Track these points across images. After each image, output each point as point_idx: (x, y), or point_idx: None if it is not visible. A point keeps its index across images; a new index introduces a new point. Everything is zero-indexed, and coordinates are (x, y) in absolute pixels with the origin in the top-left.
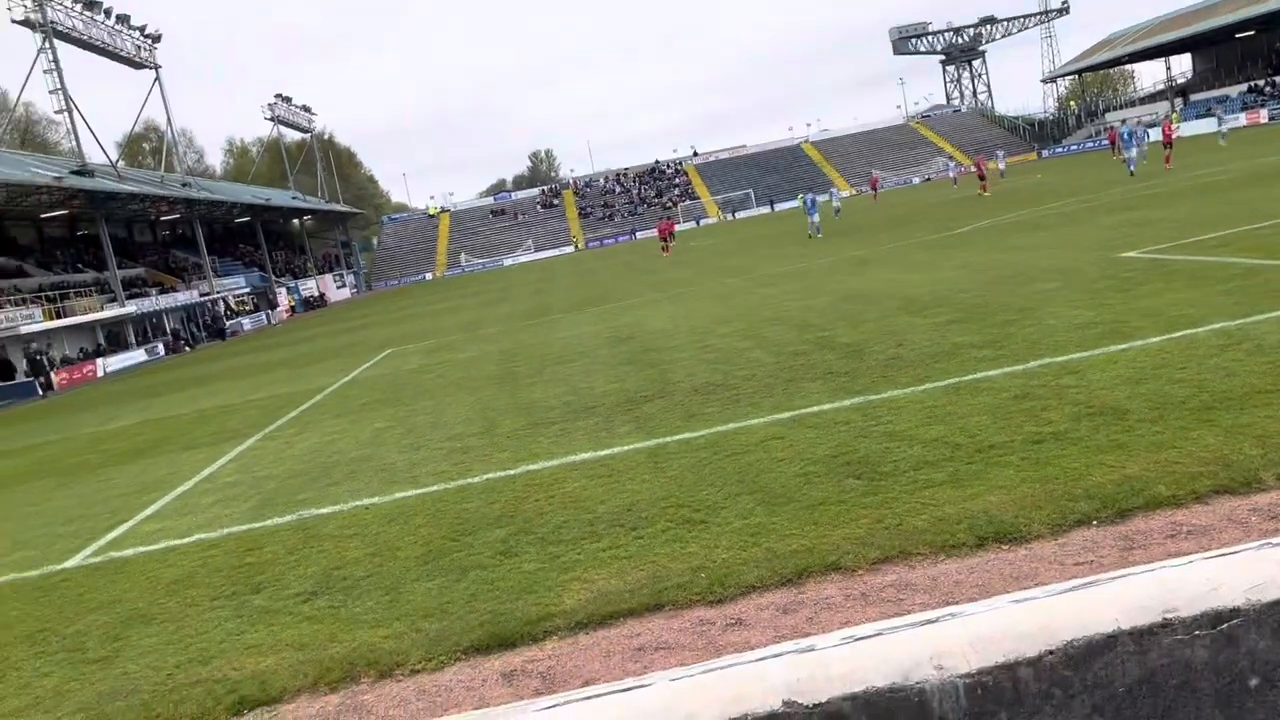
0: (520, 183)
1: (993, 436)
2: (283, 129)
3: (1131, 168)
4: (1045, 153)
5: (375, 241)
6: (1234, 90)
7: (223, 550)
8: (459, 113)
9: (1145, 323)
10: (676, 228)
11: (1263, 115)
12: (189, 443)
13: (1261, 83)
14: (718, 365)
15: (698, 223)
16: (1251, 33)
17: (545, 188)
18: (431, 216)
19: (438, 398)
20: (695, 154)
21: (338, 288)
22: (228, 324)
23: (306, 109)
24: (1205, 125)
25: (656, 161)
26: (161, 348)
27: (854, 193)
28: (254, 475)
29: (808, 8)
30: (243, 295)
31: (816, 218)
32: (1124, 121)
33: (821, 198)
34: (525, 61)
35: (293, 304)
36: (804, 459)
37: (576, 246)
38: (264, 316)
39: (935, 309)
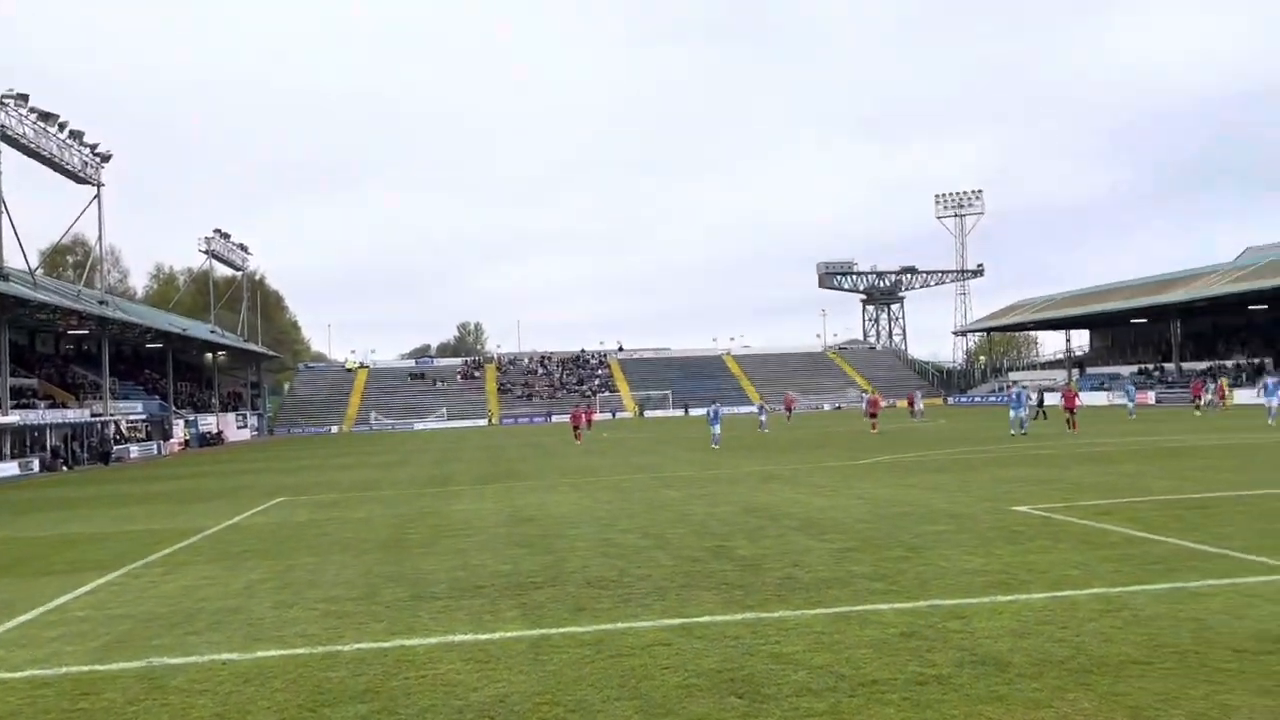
0: (444, 350)
1: (877, 672)
2: (215, 263)
3: (1016, 429)
4: (951, 400)
5: (287, 387)
6: (1126, 369)
7: (56, 691)
8: (395, 273)
9: (1032, 578)
10: (595, 416)
11: (1150, 397)
12: (44, 568)
13: (1151, 366)
14: (615, 560)
15: (613, 415)
16: (1145, 320)
17: (469, 359)
18: (349, 370)
19: (321, 555)
20: (620, 349)
21: (239, 428)
22: (114, 449)
23: (243, 247)
24: (1098, 397)
25: (582, 350)
26: (37, 464)
27: (770, 410)
28: (108, 613)
29: (747, 232)
30: (137, 421)
31: (719, 429)
32: (1014, 384)
33: (726, 410)
34: (469, 234)
35: (187, 438)
36: (689, 669)
37: (490, 421)
38: (155, 446)
39: (833, 534)
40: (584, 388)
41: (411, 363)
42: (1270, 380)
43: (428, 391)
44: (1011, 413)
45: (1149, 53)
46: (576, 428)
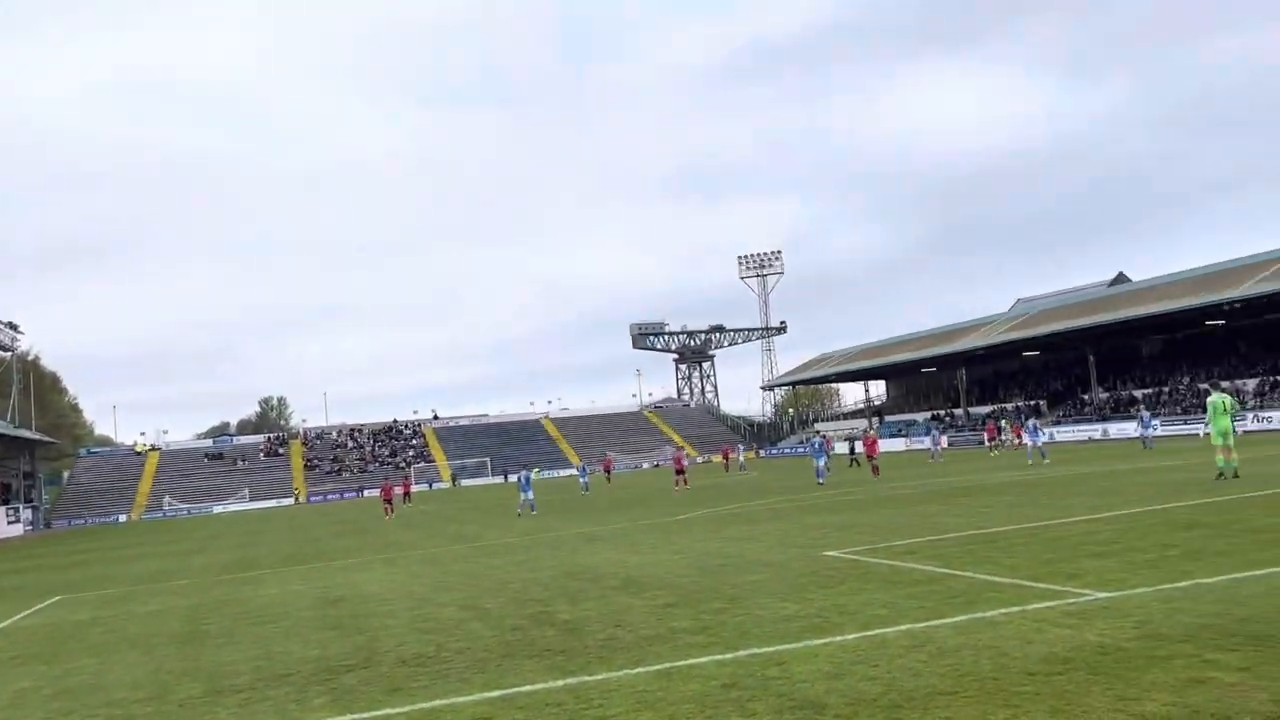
0: (245, 428)
1: None
2: None
3: (820, 478)
4: (763, 452)
5: (66, 475)
6: (920, 415)
7: None
8: (191, 348)
9: (843, 619)
10: (412, 488)
11: (943, 441)
12: None
13: (942, 412)
14: (431, 635)
15: (429, 486)
16: (934, 369)
17: (272, 435)
18: (139, 454)
19: (105, 656)
20: (435, 417)
21: (9, 522)
22: None
23: (12, 326)
24: (896, 444)
25: (394, 421)
26: None
27: (591, 471)
28: None
29: (562, 296)
30: None
31: (530, 494)
32: (817, 433)
33: (535, 474)
34: (272, 305)
35: None
36: None
37: (298, 499)
38: None
39: (654, 590)
40: (398, 459)
41: (209, 442)
42: (1032, 423)
43: (228, 471)
44: (815, 462)
45: (925, 123)
46: (388, 501)
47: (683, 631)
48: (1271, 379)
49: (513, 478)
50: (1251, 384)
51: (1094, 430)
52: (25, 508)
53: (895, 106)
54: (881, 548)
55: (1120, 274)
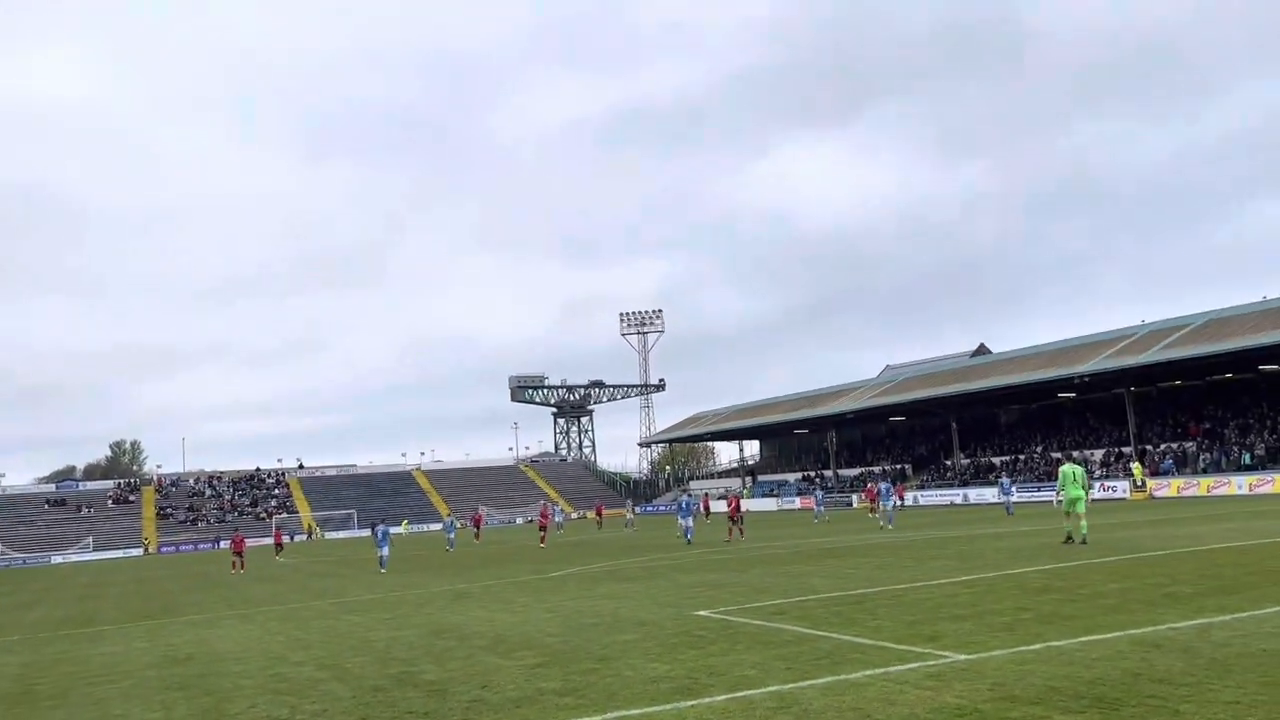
0: (94, 472)
1: None
2: None
3: (688, 536)
4: (639, 509)
5: None
6: (791, 476)
7: None
8: (34, 386)
9: (713, 680)
10: (283, 539)
11: (813, 501)
12: None
13: (813, 473)
14: (286, 697)
15: (291, 537)
16: (806, 431)
17: (123, 481)
18: None
19: None
20: (301, 466)
21: None
22: None
23: None
24: (768, 503)
25: (258, 469)
26: None
27: (461, 525)
28: None
29: (439, 348)
30: None
31: (386, 550)
32: (684, 492)
33: (395, 529)
34: (128, 343)
35: None
36: None
37: (147, 549)
38: None
39: (523, 651)
40: (259, 509)
41: (52, 487)
42: (884, 486)
43: (71, 519)
44: (679, 521)
45: (800, 192)
46: (238, 554)
47: (551, 693)
48: (1116, 450)
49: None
50: (1098, 454)
51: (955, 495)
52: None
53: (771, 175)
54: (751, 607)
55: (982, 345)
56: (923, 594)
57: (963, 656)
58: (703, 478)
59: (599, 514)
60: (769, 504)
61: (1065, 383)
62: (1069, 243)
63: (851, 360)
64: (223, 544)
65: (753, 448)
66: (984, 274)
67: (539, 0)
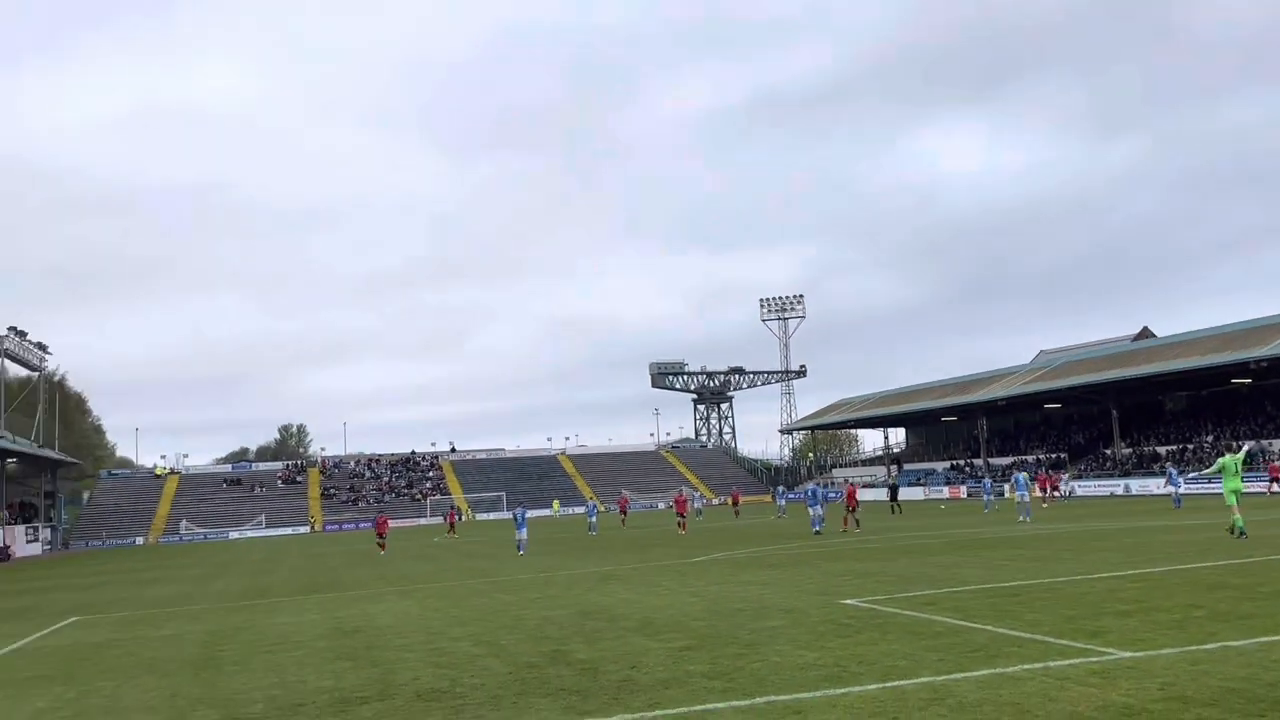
0: (264, 454)
1: None
2: (8, 363)
3: (816, 526)
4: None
5: (86, 496)
6: (940, 465)
7: None
8: (212, 374)
9: (862, 669)
10: (456, 519)
11: (962, 491)
12: None
13: (962, 462)
14: (446, 670)
15: (460, 517)
16: (954, 419)
17: (290, 463)
18: (158, 477)
19: (120, 678)
20: (453, 450)
21: (28, 541)
22: None
23: (41, 346)
24: (915, 492)
25: (413, 452)
26: None
27: (603, 509)
28: None
29: (582, 335)
30: None
31: (524, 534)
32: (815, 482)
33: (545, 511)
34: (293, 334)
35: None
36: None
37: (313, 527)
38: None
39: (670, 633)
40: (414, 490)
41: (228, 468)
42: (1020, 477)
43: (245, 498)
44: (810, 510)
45: (944, 173)
46: (381, 535)
47: (699, 676)
48: None
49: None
50: (1279, 444)
51: (1116, 486)
52: (45, 527)
53: (912, 156)
54: (901, 597)
55: (1145, 329)
56: (1083, 587)
57: (1129, 654)
58: (846, 465)
59: (735, 501)
60: (916, 493)
61: (1240, 367)
62: (1238, 220)
63: (1000, 347)
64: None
65: (898, 435)
66: (1142, 255)
67: None
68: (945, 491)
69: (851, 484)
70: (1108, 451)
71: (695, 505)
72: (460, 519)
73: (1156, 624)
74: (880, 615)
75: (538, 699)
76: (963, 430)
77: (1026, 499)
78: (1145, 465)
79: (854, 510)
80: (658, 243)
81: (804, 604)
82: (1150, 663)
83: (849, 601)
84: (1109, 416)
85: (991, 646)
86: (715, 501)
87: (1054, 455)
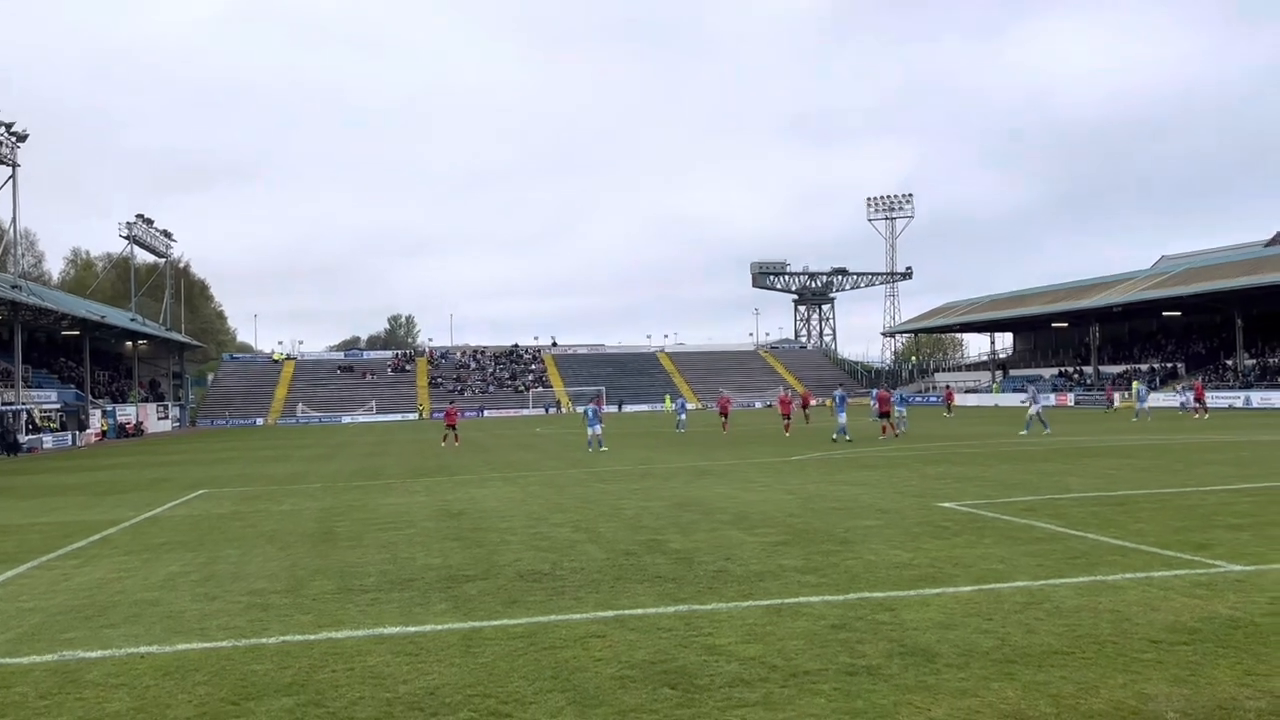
0: (375, 343)
1: (808, 663)
2: (137, 249)
3: (838, 434)
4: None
5: (210, 378)
6: (1047, 372)
7: None
8: (325, 264)
9: (958, 571)
10: (603, 406)
11: (1069, 399)
12: None
13: (1070, 369)
14: (547, 554)
15: (546, 410)
16: (1065, 325)
17: (400, 352)
18: (276, 362)
19: (245, 548)
20: (555, 344)
21: (159, 418)
22: (26, 439)
23: (167, 234)
24: (1017, 398)
25: (516, 345)
26: None
27: (700, 406)
28: (19, 605)
29: (682, 232)
30: (51, 411)
31: (599, 429)
32: (840, 386)
33: (606, 409)
34: (401, 226)
35: (105, 428)
36: (622, 661)
37: (421, 415)
38: (69, 437)
39: (764, 528)
40: (516, 383)
41: (340, 355)
42: (1140, 387)
43: (357, 384)
44: (837, 417)
45: (1060, 67)
46: (451, 427)
47: (793, 570)
48: None
49: (627, 408)
50: None
51: (1236, 398)
52: (173, 405)
53: (1026, 49)
54: (1000, 503)
55: (1279, 233)
56: (1193, 500)
57: (1237, 567)
58: (949, 370)
59: (805, 406)
60: (1018, 399)
61: None
62: None
63: (1117, 253)
64: (487, 413)
65: (1004, 341)
66: (1276, 157)
67: None
68: (1052, 399)
69: (883, 389)
70: (1229, 362)
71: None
72: (550, 410)
73: (1269, 539)
74: (978, 519)
75: (634, 584)
76: (1073, 337)
77: (1145, 407)
78: (1270, 377)
79: (889, 416)
80: (757, 140)
81: (900, 505)
82: (1260, 577)
83: (946, 505)
84: (1232, 325)
85: (1092, 554)
86: (814, 403)
87: (1170, 365)
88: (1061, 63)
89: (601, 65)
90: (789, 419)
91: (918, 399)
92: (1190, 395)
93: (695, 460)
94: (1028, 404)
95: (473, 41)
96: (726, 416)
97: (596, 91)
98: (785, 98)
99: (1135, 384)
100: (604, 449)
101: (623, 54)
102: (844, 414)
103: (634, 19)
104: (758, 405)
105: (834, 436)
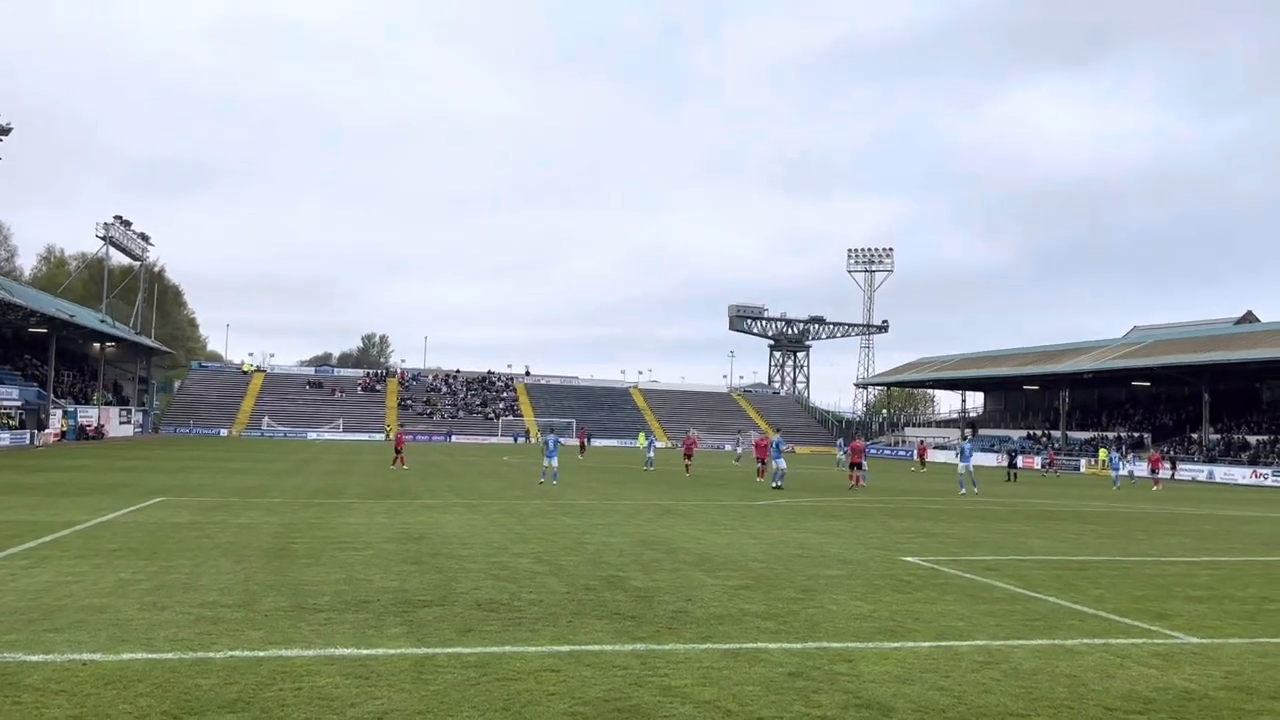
0: (347, 360)
1: (763, 710)
2: (112, 251)
3: (777, 481)
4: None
5: (177, 385)
6: (1016, 433)
7: None
8: (302, 278)
9: (918, 626)
10: (587, 440)
11: (1036, 462)
12: None
13: (1039, 432)
14: (506, 584)
15: (515, 440)
16: (1036, 387)
17: (371, 371)
18: (245, 373)
19: (199, 558)
20: (528, 373)
21: (121, 423)
22: None
23: (144, 237)
24: (987, 458)
25: (489, 372)
26: None
27: (669, 445)
28: None
29: (659, 271)
30: (10, 408)
31: (555, 462)
32: (778, 432)
33: (564, 440)
34: (380, 245)
35: (65, 429)
36: (575, 698)
37: (388, 435)
38: (28, 435)
39: (727, 571)
40: (487, 410)
41: (311, 370)
42: (1113, 454)
43: (326, 401)
44: (773, 463)
45: (1028, 138)
46: (398, 451)
47: (753, 615)
48: None
49: (596, 441)
50: None
51: (1199, 471)
52: (137, 411)
53: (1007, 116)
54: (963, 560)
55: (1249, 313)
56: (1153, 569)
57: (1195, 639)
58: (919, 425)
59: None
60: (988, 459)
61: None
62: None
63: (1088, 319)
64: (455, 438)
65: (976, 399)
66: (1248, 235)
67: None
68: (1020, 461)
69: (858, 439)
70: (1194, 436)
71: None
72: (519, 440)
73: (1228, 613)
74: (940, 575)
75: (593, 620)
76: (1044, 400)
77: (1121, 472)
78: (1234, 453)
79: (861, 467)
80: (739, 183)
81: (863, 556)
82: (1217, 650)
83: (910, 559)
84: (1199, 400)
85: (1052, 617)
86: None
87: (1136, 435)
88: (1040, 126)
89: (587, 97)
90: (690, 459)
91: (886, 451)
92: (1145, 466)
93: (661, 499)
94: (956, 459)
95: (461, 64)
96: (690, 458)
97: (581, 122)
98: (771, 143)
99: (1103, 451)
100: (555, 482)
101: (610, 87)
102: (782, 459)
103: (623, 53)
104: (727, 448)
105: (775, 484)
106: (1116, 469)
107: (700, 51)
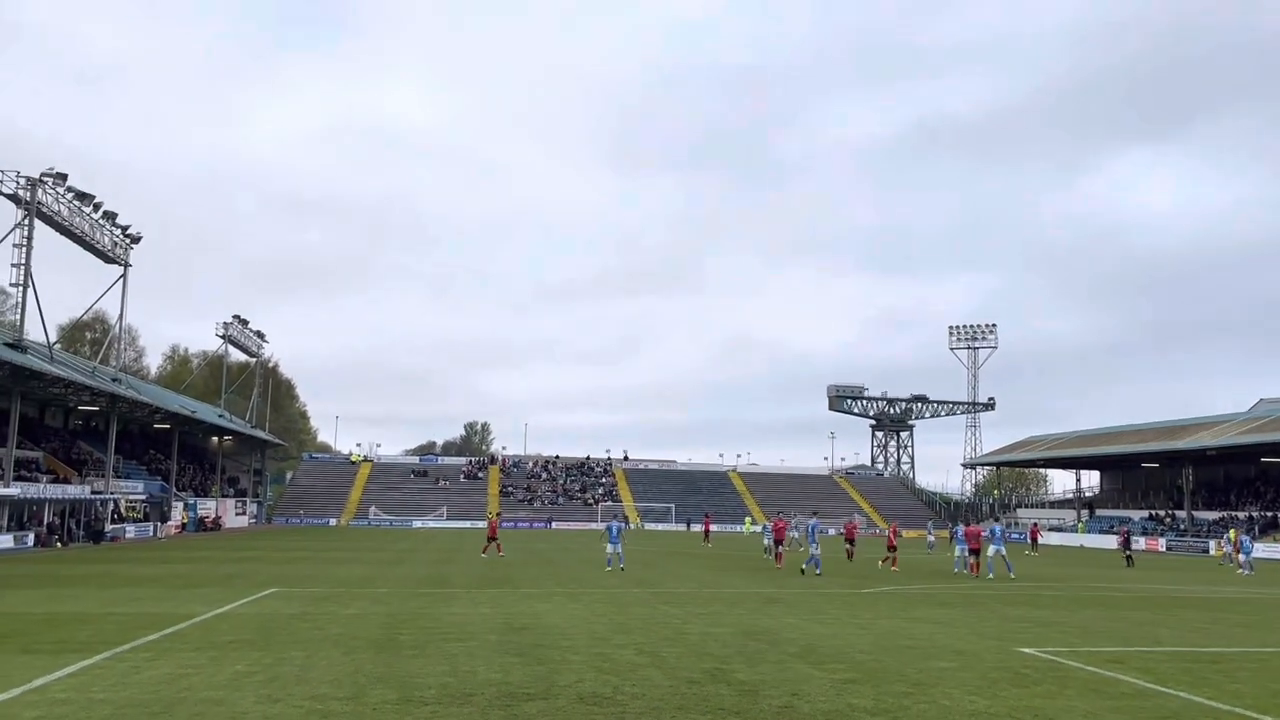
0: (450, 449)
1: None
2: (230, 348)
3: (812, 564)
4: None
5: (289, 475)
6: (1136, 514)
7: None
8: (406, 369)
9: None
10: (711, 527)
11: (1160, 544)
12: (28, 645)
13: (1162, 512)
14: (609, 676)
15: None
16: (1156, 465)
17: (473, 459)
18: (353, 463)
19: (310, 650)
20: (626, 458)
21: (237, 514)
22: (110, 528)
23: (260, 334)
24: (1108, 540)
25: (588, 457)
26: (31, 538)
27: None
28: (89, 696)
29: (758, 353)
30: (136, 501)
31: (620, 547)
32: (813, 514)
33: (625, 526)
34: (481, 335)
35: (185, 521)
36: None
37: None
38: (151, 528)
39: (833, 663)
40: (586, 495)
41: (416, 459)
42: (1244, 538)
43: (430, 489)
44: (811, 548)
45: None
46: (492, 538)
47: (863, 710)
48: None
49: (696, 527)
50: None
51: None
52: (252, 502)
53: (1102, 189)
54: (1085, 652)
55: None
56: None
57: None
58: (1032, 506)
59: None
60: (1108, 541)
61: None
62: None
63: (1204, 392)
64: (555, 524)
65: (1091, 478)
66: None
67: (846, 14)
68: (1142, 543)
69: (894, 522)
70: None
71: (930, 538)
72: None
73: None
74: (1060, 668)
75: (697, 715)
76: (1165, 478)
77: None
78: None
79: (894, 550)
80: (833, 264)
81: (977, 648)
82: None
83: (1027, 650)
84: None
85: (1184, 714)
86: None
87: (1269, 514)
88: (1134, 202)
89: (676, 185)
90: (852, 545)
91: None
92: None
93: (762, 587)
94: (987, 541)
95: (552, 158)
96: (853, 543)
97: (668, 211)
98: (859, 224)
99: (1233, 531)
100: (622, 567)
101: (698, 173)
102: (816, 544)
103: (708, 141)
104: (831, 532)
105: (804, 567)
106: (1248, 551)
107: (786, 136)
